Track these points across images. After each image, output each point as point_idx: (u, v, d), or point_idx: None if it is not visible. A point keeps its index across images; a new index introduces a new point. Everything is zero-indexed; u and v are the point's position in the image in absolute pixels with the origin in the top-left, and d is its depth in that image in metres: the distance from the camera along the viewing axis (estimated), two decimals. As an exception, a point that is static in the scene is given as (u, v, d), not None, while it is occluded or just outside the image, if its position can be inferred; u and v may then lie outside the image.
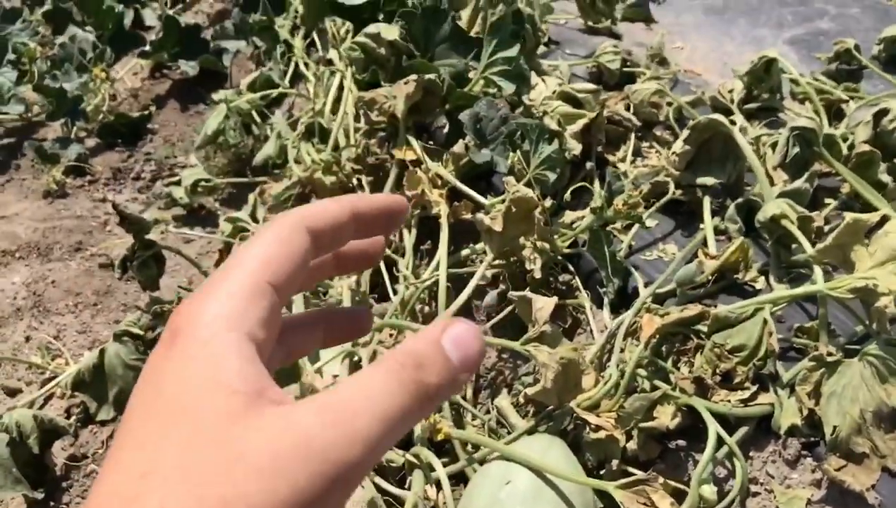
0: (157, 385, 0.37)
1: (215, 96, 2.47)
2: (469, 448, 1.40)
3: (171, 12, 3.09)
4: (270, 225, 0.44)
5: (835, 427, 1.20)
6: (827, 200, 1.76)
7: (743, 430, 1.28)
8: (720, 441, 1.24)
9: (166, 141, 2.70)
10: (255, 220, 2.06)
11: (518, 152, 1.67)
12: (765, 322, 1.29)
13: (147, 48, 2.88)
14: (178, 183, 2.35)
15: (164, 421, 0.35)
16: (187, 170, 2.33)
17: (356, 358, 1.46)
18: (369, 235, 0.50)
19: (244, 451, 0.34)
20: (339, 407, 0.36)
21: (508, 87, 1.82)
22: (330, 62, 2.36)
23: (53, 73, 2.70)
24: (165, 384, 0.37)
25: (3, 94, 2.66)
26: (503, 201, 1.53)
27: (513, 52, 1.79)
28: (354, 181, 1.94)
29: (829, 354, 1.26)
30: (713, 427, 1.23)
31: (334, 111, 2.09)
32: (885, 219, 1.34)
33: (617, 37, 2.57)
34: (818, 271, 1.33)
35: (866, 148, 1.68)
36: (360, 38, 1.95)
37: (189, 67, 2.83)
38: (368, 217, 0.48)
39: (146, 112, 2.77)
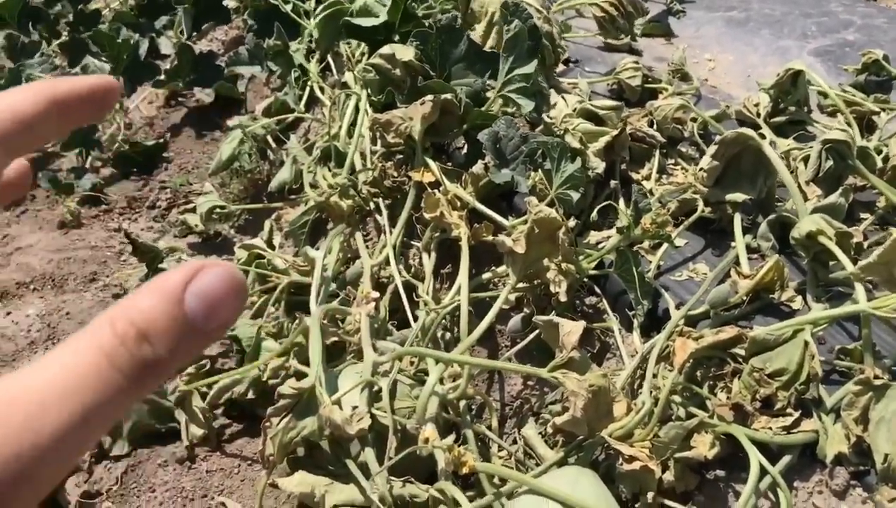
0: None
1: (230, 122, 2.45)
2: (496, 480, 1.34)
3: (185, 41, 3.08)
4: None
5: (886, 456, 1.13)
6: (863, 215, 1.70)
7: (786, 459, 1.21)
8: (762, 471, 1.17)
9: (182, 168, 2.68)
10: (272, 246, 2.01)
11: (539, 171, 1.62)
12: (806, 344, 1.23)
13: (161, 77, 2.86)
14: (193, 210, 2.31)
15: None
16: (202, 198, 2.30)
17: (376, 388, 1.40)
18: (72, 125, 0.40)
19: None
20: (13, 406, 0.28)
21: (527, 105, 1.77)
22: (345, 85, 2.32)
23: (68, 103, 2.68)
24: None
25: (18, 126, 2.64)
26: (525, 222, 1.47)
27: (530, 68, 1.74)
28: (371, 204, 1.89)
29: (877, 377, 1.19)
30: (755, 456, 1.17)
31: (350, 134, 2.05)
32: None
33: (637, 53, 2.52)
34: (860, 289, 1.27)
35: (903, 159, 1.61)
36: (375, 60, 1.91)
37: (204, 95, 2.81)
38: (73, 103, 0.39)
39: (161, 140, 2.75)
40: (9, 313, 2.11)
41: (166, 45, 3.21)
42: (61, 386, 0.28)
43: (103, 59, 3.01)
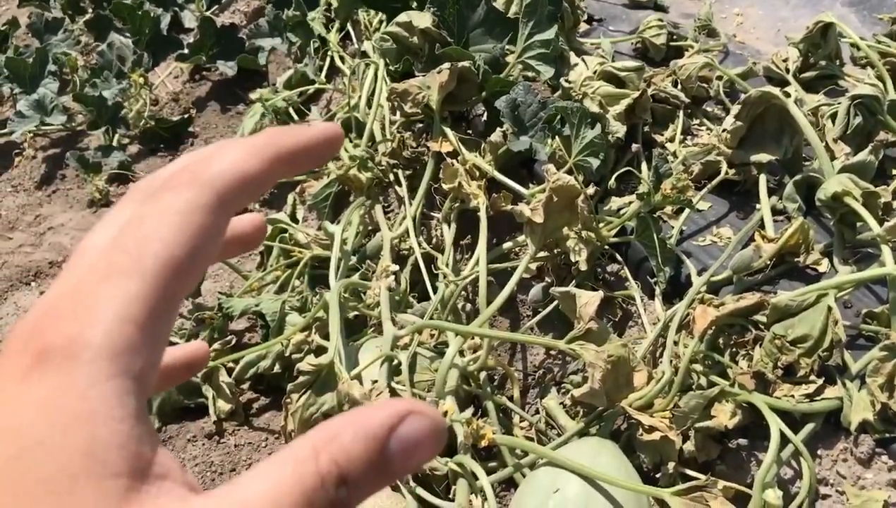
0: (13, 428, 0.28)
1: (252, 95, 2.44)
2: (518, 451, 1.34)
3: (208, 13, 3.07)
4: (172, 201, 0.32)
5: (912, 423, 1.11)
6: (895, 172, 1.64)
7: (809, 427, 1.19)
8: (784, 440, 1.15)
9: (207, 143, 2.69)
10: (295, 220, 2.02)
11: (558, 138, 1.59)
12: (829, 309, 1.20)
13: (185, 51, 2.86)
14: (218, 185, 2.32)
15: (16, 497, 0.27)
16: (227, 173, 2.30)
17: (395, 362, 1.41)
18: (293, 174, 0.39)
19: None
20: None
21: (547, 71, 1.74)
22: (365, 54, 2.30)
23: (93, 82, 2.70)
24: (23, 433, 0.28)
25: (45, 106, 2.67)
26: (543, 190, 1.45)
27: (550, 34, 1.71)
28: (391, 176, 1.88)
29: (903, 342, 1.15)
30: (776, 425, 1.15)
31: (370, 104, 2.04)
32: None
33: (663, 9, 2.45)
34: (887, 251, 1.23)
35: (936, 113, 1.56)
36: (392, 28, 1.89)
37: (227, 68, 2.80)
38: (297, 157, 0.37)
39: (186, 115, 2.76)
40: (42, 292, 2.15)
41: (189, 19, 3.21)
42: None
43: (127, 34, 3.02)
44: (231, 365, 1.72)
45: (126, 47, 2.90)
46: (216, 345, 1.74)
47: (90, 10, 3.27)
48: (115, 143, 2.64)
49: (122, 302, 0.30)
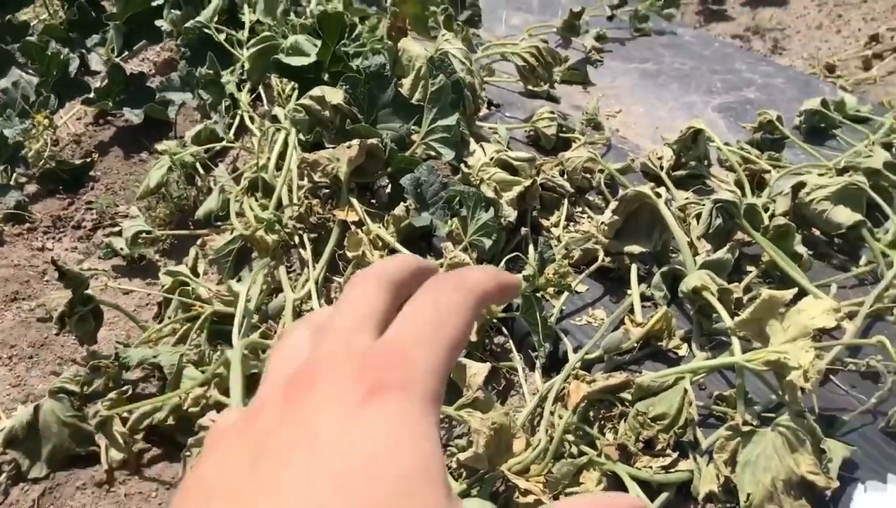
0: (366, 437, 0.37)
1: (159, 147, 2.48)
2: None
3: (117, 59, 3.10)
4: (453, 296, 0.44)
5: (748, 495, 1.27)
6: (749, 267, 1.86)
7: (664, 496, 1.34)
8: (642, 507, 1.30)
9: (108, 189, 2.70)
10: (196, 273, 2.07)
11: (456, 218, 1.73)
12: (685, 391, 1.36)
13: (91, 95, 2.88)
14: (119, 233, 2.35)
15: (377, 487, 0.36)
16: (128, 221, 2.33)
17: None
18: (497, 301, 0.50)
19: None
20: None
21: (448, 154, 1.88)
22: (275, 118, 2.40)
23: (-6, 119, 2.69)
24: (377, 441, 0.37)
25: (-59, 139, 2.63)
26: (441, 265, 1.58)
27: (452, 120, 1.86)
28: (296, 238, 1.97)
29: (745, 423, 1.33)
30: (634, 493, 1.29)
31: (278, 167, 2.13)
32: (800, 295, 1.43)
33: (555, 100, 2.66)
34: (736, 342, 1.41)
35: (782, 220, 1.78)
36: (305, 101, 2.00)
37: (134, 116, 2.83)
38: (505, 289, 0.48)
39: (88, 159, 2.77)
40: None
41: (97, 62, 3.22)
42: None
43: (30, 71, 3.02)
44: (125, 414, 1.75)
45: (29, 86, 2.89)
46: (112, 395, 1.77)
47: (-8, 44, 3.24)
48: (12, 182, 2.62)
49: (433, 362, 0.40)
